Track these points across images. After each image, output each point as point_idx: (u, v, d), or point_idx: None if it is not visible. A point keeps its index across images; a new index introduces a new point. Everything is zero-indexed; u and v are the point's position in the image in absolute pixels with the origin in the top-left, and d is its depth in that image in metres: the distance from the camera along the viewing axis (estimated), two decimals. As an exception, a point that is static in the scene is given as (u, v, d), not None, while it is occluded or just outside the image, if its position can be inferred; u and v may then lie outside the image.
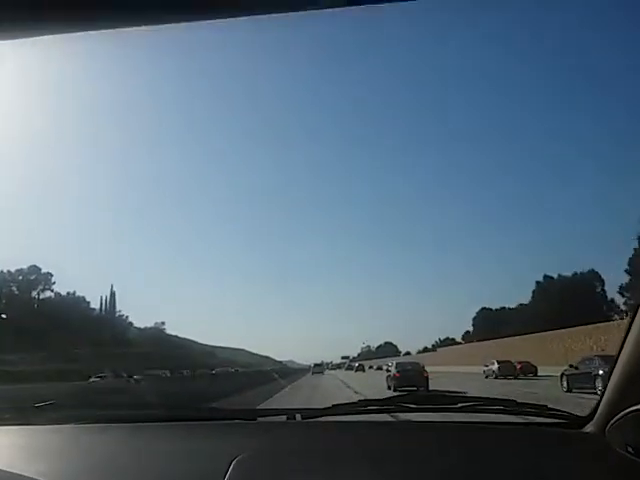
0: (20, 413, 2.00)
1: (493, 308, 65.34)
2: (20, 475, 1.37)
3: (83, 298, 67.58)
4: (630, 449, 1.38)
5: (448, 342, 68.97)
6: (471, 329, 67.61)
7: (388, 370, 27.97)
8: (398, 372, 20.98)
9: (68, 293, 65.85)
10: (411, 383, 19.32)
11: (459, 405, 1.78)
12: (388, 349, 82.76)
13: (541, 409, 1.74)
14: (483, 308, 66.22)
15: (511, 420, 1.75)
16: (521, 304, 60.26)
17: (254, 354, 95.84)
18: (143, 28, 0.92)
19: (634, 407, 1.38)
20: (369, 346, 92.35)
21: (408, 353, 75.27)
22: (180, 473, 1.41)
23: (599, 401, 1.54)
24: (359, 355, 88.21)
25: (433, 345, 72.77)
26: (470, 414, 1.76)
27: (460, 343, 65.13)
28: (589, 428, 1.55)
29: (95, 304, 70.24)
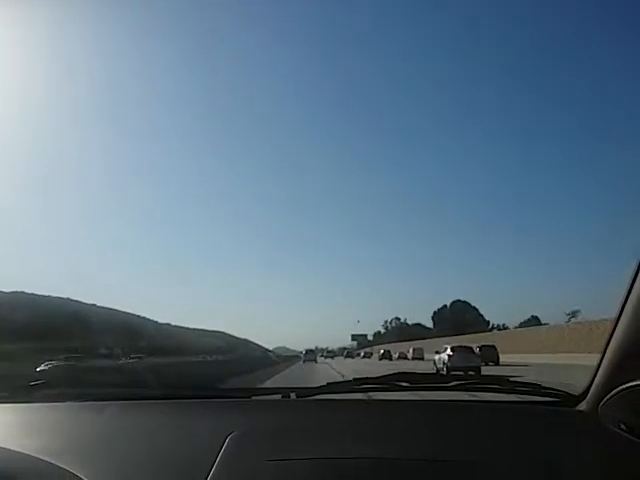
0: (15, 391, 1.99)
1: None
2: (15, 452, 1.38)
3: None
4: (623, 426, 1.38)
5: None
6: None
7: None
8: None
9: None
10: None
11: (452, 383, 1.79)
12: (447, 321, 42.64)
13: (534, 387, 1.75)
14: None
15: (504, 399, 1.76)
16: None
17: (234, 337, 78.95)
18: None
19: (627, 384, 1.38)
20: (399, 319, 52.29)
21: (502, 327, 42.73)
22: (175, 449, 1.42)
23: (592, 379, 1.55)
24: (376, 335, 51.36)
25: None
26: (463, 392, 1.77)
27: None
28: (582, 406, 1.55)
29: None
